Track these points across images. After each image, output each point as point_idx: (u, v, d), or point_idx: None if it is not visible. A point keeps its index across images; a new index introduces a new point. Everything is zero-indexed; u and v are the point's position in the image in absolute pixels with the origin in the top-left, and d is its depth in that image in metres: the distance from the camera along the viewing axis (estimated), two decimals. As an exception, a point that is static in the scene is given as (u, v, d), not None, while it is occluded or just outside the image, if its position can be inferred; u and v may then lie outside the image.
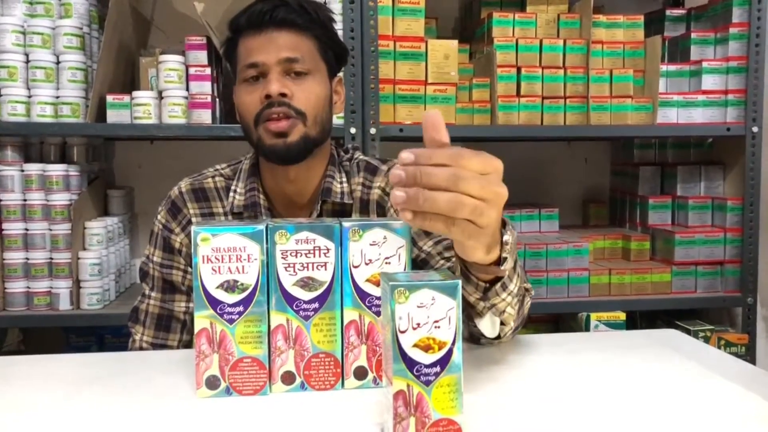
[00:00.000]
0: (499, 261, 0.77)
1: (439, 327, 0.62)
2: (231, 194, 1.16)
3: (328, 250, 0.76)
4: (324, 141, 1.13)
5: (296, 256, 0.76)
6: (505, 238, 0.75)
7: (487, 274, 0.80)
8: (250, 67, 1.07)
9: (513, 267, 0.81)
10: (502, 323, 0.89)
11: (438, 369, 0.63)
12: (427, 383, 0.63)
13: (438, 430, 0.63)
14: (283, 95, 1.05)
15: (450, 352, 0.63)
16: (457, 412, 0.63)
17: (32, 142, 1.95)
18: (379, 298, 0.77)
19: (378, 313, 0.78)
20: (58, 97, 1.82)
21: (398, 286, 0.62)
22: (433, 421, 0.63)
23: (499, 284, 0.81)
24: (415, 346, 0.62)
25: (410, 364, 0.62)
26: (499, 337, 0.92)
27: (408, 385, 0.62)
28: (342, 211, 1.15)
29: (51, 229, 1.85)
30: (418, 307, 0.62)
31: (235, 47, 1.11)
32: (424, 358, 0.62)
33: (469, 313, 0.89)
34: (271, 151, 1.07)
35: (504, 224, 0.76)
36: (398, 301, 0.62)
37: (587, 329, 1.91)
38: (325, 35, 1.12)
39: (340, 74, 1.19)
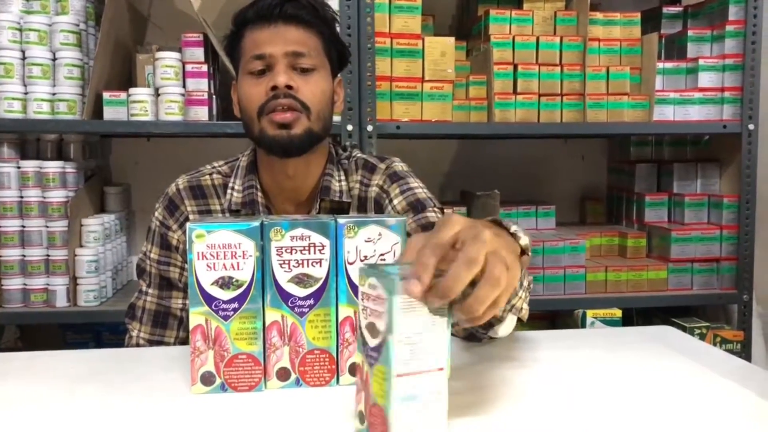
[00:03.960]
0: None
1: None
2: (228, 192, 1.15)
3: (323, 246, 0.77)
4: (324, 138, 1.14)
5: (291, 252, 0.76)
6: (524, 242, 0.71)
7: None
8: (256, 59, 1.07)
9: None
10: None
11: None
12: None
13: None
14: (290, 87, 1.05)
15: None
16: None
17: (29, 138, 1.94)
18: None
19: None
20: (54, 94, 1.81)
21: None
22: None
23: None
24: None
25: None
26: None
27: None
28: (340, 209, 1.16)
29: (48, 226, 1.85)
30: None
31: (239, 41, 1.11)
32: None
33: (488, 322, 0.88)
34: (273, 141, 1.07)
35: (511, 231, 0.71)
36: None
37: (583, 326, 1.91)
38: (330, 33, 1.13)
39: (340, 76, 1.19)
